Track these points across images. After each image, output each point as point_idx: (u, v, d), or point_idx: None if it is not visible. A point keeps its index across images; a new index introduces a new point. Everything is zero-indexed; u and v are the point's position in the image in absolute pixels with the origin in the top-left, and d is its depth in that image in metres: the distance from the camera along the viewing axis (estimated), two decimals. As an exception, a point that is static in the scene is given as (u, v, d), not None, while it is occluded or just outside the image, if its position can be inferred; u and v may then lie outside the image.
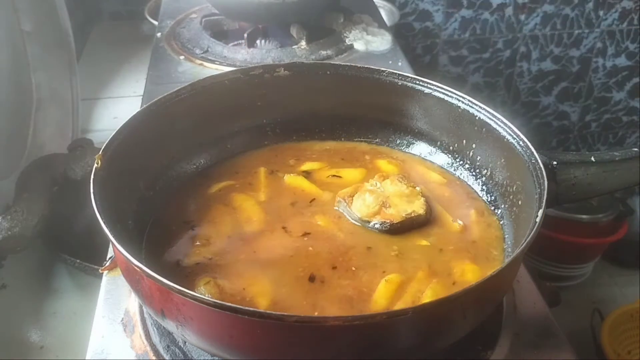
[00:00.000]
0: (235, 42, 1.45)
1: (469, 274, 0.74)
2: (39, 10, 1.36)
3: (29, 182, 1.15)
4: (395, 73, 0.92)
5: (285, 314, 0.59)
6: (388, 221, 0.80)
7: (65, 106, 1.48)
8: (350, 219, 0.82)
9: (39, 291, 1.26)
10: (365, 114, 0.97)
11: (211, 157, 0.93)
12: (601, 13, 2.40)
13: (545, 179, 0.70)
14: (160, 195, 0.85)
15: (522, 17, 2.36)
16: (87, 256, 1.21)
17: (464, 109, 0.87)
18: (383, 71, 0.92)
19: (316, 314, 0.68)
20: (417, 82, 0.90)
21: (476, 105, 0.85)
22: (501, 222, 0.82)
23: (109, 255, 0.86)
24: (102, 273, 0.85)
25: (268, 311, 0.56)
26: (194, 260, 0.75)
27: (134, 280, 0.65)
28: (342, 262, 0.74)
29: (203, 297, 0.56)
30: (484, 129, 0.84)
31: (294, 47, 1.39)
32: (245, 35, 1.39)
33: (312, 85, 0.95)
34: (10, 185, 1.16)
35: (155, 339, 0.75)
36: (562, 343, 0.75)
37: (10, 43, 1.29)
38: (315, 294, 0.70)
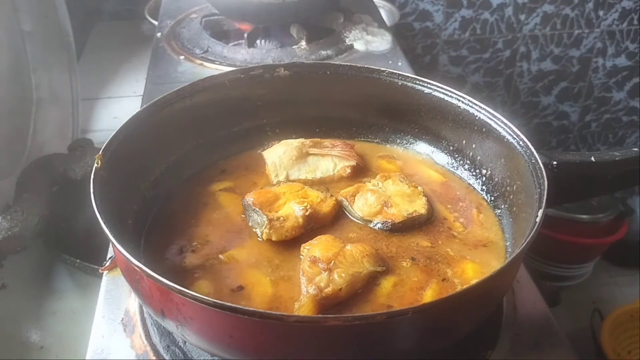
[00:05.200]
0: (235, 42, 1.45)
1: (469, 273, 0.74)
2: (39, 10, 1.36)
3: (29, 182, 1.15)
4: (395, 73, 0.92)
5: (285, 314, 0.59)
6: (390, 221, 0.80)
7: (65, 106, 1.48)
8: (352, 218, 0.82)
9: (39, 291, 1.26)
10: (365, 114, 0.98)
11: (211, 157, 0.93)
12: (601, 13, 2.40)
13: (545, 179, 0.70)
14: (160, 195, 0.85)
15: (522, 17, 2.36)
16: (87, 256, 1.21)
17: (464, 109, 0.87)
18: (383, 71, 0.92)
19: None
20: (417, 82, 0.90)
21: (476, 105, 0.85)
22: (501, 222, 0.82)
23: (109, 255, 0.86)
24: (102, 273, 0.85)
25: (268, 311, 0.56)
26: (194, 260, 0.75)
27: (134, 280, 0.65)
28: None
29: (203, 297, 0.56)
30: (484, 129, 0.85)
31: (294, 47, 1.39)
32: (245, 35, 1.39)
33: (312, 85, 0.95)
34: (10, 185, 1.16)
35: (155, 339, 0.75)
36: (562, 343, 0.75)
37: (10, 43, 1.29)
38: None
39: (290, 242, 0.77)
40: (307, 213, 0.78)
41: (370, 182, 0.86)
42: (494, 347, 0.74)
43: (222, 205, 0.85)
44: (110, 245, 0.78)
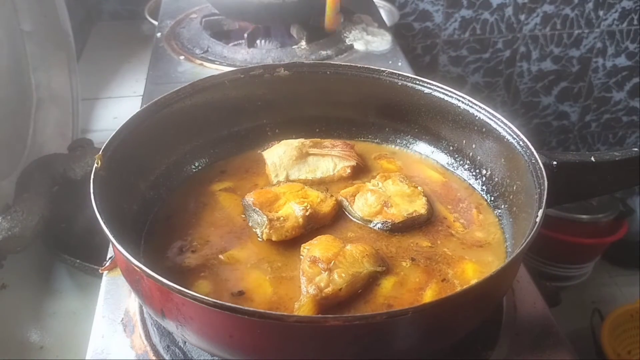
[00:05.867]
0: (235, 42, 1.45)
1: (469, 273, 0.74)
2: (39, 10, 1.36)
3: (29, 182, 1.15)
4: (395, 73, 0.92)
5: (285, 314, 0.59)
6: (390, 221, 0.80)
7: (65, 106, 1.48)
8: (352, 218, 0.82)
9: (39, 291, 1.26)
10: (365, 114, 0.98)
11: (211, 157, 0.93)
12: (601, 13, 2.40)
13: (545, 179, 0.70)
14: (160, 195, 0.85)
15: (522, 17, 2.36)
16: (87, 256, 1.21)
17: (464, 109, 0.87)
18: (383, 71, 0.92)
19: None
20: (417, 82, 0.90)
21: (476, 105, 0.85)
22: (501, 222, 0.82)
23: (109, 255, 0.86)
24: (102, 273, 0.85)
25: (268, 311, 0.56)
26: (194, 260, 0.75)
27: (134, 280, 0.65)
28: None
29: (203, 297, 0.56)
30: (484, 129, 0.85)
31: (294, 47, 1.39)
32: (245, 35, 1.39)
33: (312, 85, 0.95)
34: (10, 185, 1.16)
35: (155, 339, 0.75)
36: (562, 343, 0.75)
37: (10, 43, 1.29)
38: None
39: (290, 242, 0.77)
40: (307, 213, 0.78)
41: (370, 182, 0.87)
42: (494, 347, 0.74)
43: (222, 206, 0.85)
44: (110, 245, 0.78)
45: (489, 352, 0.74)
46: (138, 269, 0.59)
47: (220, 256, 0.76)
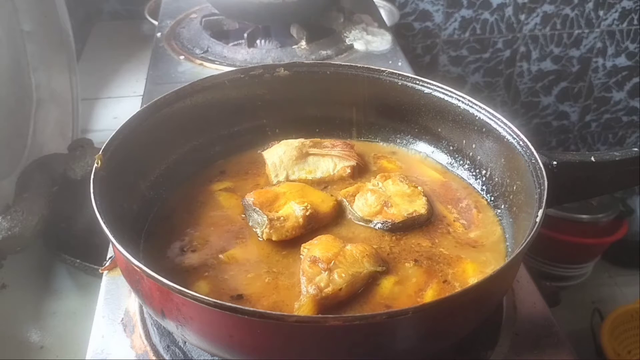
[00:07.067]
0: (235, 42, 1.45)
1: (469, 273, 0.74)
2: (39, 10, 1.36)
3: (29, 182, 1.15)
4: (395, 73, 0.92)
5: (285, 314, 0.59)
6: (390, 220, 0.80)
7: (65, 106, 1.48)
8: (352, 218, 0.82)
9: (39, 291, 1.26)
10: (365, 114, 0.98)
11: (211, 157, 0.93)
12: (601, 13, 2.40)
13: (545, 179, 0.70)
14: (160, 195, 0.85)
15: (522, 17, 2.36)
16: (87, 256, 1.21)
17: (464, 109, 0.87)
18: (383, 71, 0.92)
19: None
20: (417, 82, 0.90)
21: (476, 105, 0.85)
22: (501, 222, 0.82)
23: (109, 255, 0.86)
24: (102, 273, 0.85)
25: (268, 311, 0.56)
26: (194, 260, 0.75)
27: (134, 280, 0.65)
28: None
29: (203, 297, 0.56)
30: (484, 129, 0.85)
31: (294, 47, 1.39)
32: (245, 35, 1.39)
33: (312, 85, 0.95)
34: (10, 185, 1.16)
35: (155, 339, 0.75)
36: (562, 343, 0.75)
37: (10, 43, 1.29)
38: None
39: (290, 242, 0.77)
40: (308, 213, 0.78)
41: (370, 182, 0.86)
42: (494, 347, 0.74)
43: (222, 205, 0.85)
44: (110, 245, 0.78)
45: (489, 352, 0.74)
46: (138, 269, 0.59)
47: (220, 256, 0.76)
